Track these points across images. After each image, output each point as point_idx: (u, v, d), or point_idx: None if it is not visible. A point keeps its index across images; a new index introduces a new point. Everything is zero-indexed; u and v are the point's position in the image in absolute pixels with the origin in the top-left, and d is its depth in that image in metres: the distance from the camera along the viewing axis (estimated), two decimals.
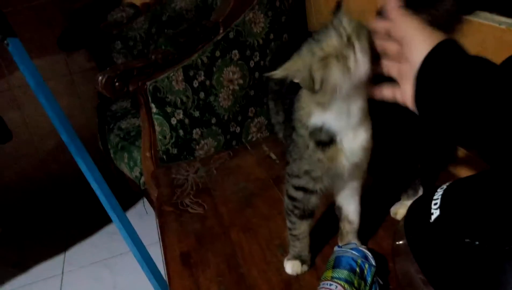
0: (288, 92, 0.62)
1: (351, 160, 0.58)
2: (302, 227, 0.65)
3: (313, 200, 0.63)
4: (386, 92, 0.53)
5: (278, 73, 0.52)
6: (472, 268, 0.36)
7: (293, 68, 0.52)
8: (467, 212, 0.40)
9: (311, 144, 0.58)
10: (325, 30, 0.51)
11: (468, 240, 0.36)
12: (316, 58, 0.50)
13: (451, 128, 0.41)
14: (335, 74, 0.50)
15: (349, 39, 0.49)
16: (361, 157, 0.59)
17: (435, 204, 0.41)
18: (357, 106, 0.55)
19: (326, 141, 0.57)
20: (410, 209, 0.48)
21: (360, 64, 0.49)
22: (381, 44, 0.51)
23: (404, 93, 0.48)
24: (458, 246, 0.37)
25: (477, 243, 0.36)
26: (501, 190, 0.39)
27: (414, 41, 0.46)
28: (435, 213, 0.40)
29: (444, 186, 0.43)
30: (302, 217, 0.64)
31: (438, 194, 0.42)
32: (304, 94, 0.57)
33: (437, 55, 0.43)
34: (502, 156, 0.36)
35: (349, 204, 0.66)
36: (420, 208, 0.43)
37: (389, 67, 0.52)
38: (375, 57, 0.52)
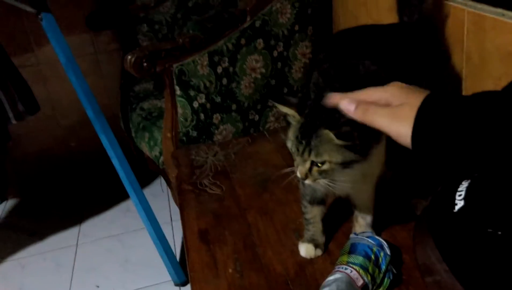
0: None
1: (339, 192, 0.62)
2: (314, 212, 0.68)
3: (318, 193, 0.66)
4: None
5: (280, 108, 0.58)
6: (494, 257, 0.38)
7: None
8: (491, 203, 0.41)
9: None
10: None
11: (491, 230, 0.38)
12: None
13: (450, 160, 0.41)
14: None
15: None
16: (351, 190, 0.63)
17: (460, 195, 0.42)
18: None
19: None
20: (433, 199, 0.50)
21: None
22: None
23: (398, 133, 0.45)
24: (481, 235, 0.39)
25: (500, 233, 0.37)
26: None
27: (407, 90, 0.46)
28: (459, 203, 0.42)
29: (469, 179, 0.45)
30: (312, 202, 0.68)
31: (463, 186, 0.44)
32: None
33: (436, 97, 0.44)
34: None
35: (361, 201, 0.68)
36: (444, 199, 0.45)
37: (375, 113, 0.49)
38: None
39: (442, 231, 0.44)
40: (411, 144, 0.43)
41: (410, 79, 0.55)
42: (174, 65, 1.07)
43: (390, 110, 0.46)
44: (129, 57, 1.01)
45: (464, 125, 0.40)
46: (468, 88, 0.75)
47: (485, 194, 0.42)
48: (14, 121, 1.37)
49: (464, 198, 0.42)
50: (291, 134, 0.57)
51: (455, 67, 0.77)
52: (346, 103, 0.49)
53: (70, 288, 1.37)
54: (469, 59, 0.74)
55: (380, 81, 0.55)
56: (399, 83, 0.48)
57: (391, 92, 0.47)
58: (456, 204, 0.42)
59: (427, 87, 0.50)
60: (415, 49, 0.67)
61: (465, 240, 0.41)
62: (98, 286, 1.36)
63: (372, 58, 0.61)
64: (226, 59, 1.14)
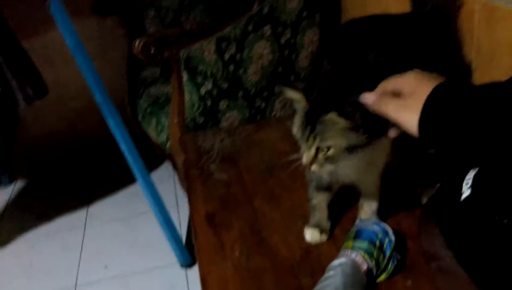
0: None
1: (344, 180, 0.64)
2: (319, 198, 0.69)
3: (323, 180, 0.67)
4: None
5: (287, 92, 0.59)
6: (499, 246, 0.39)
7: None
8: (498, 192, 0.42)
9: None
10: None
11: (497, 218, 0.39)
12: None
13: (458, 149, 0.42)
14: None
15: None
16: (356, 179, 0.64)
17: (467, 184, 0.43)
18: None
19: None
20: (440, 187, 0.51)
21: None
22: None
23: (406, 121, 0.48)
24: (487, 224, 0.40)
25: (506, 221, 0.38)
26: None
27: (421, 79, 0.48)
28: (466, 192, 0.43)
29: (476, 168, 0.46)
30: (318, 189, 0.69)
31: (470, 175, 0.45)
32: None
33: (446, 87, 0.45)
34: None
35: (367, 189, 0.69)
36: (450, 187, 0.46)
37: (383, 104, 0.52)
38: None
39: (448, 219, 0.45)
40: (417, 132, 0.45)
41: (420, 69, 0.55)
42: (182, 51, 1.07)
43: (400, 101, 0.48)
44: (137, 42, 1.02)
45: (471, 116, 0.41)
46: (478, 79, 0.75)
47: (492, 183, 0.43)
48: (23, 105, 1.38)
49: (471, 187, 0.43)
50: (297, 120, 0.58)
51: (465, 57, 0.77)
52: (367, 96, 0.52)
53: (78, 268, 1.41)
54: (479, 50, 0.74)
55: (388, 71, 0.55)
56: (417, 71, 0.50)
57: (406, 80, 0.49)
58: (463, 193, 0.43)
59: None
60: (426, 40, 0.67)
61: (471, 228, 0.42)
62: (106, 266, 1.40)
63: (382, 48, 0.61)
64: (234, 45, 1.14)
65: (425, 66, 0.52)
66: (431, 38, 0.68)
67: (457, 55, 0.76)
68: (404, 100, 0.48)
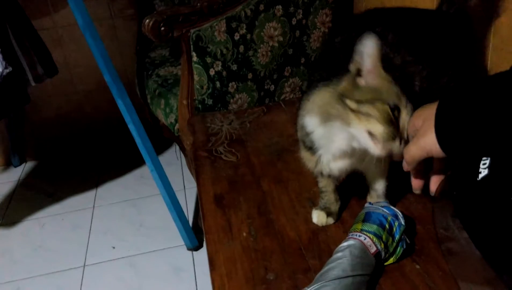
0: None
1: (333, 172, 0.63)
2: (324, 182, 0.69)
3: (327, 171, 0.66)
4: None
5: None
6: None
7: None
8: None
9: (301, 140, 0.64)
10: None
11: None
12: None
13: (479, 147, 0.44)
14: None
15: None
16: (345, 172, 0.63)
17: (484, 164, 0.43)
18: (339, 146, 0.58)
19: (309, 146, 0.62)
20: (456, 167, 0.50)
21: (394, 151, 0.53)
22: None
23: (428, 146, 0.50)
24: (504, 204, 0.39)
25: None
26: None
27: (424, 108, 0.50)
28: (483, 172, 0.42)
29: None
30: (322, 173, 0.68)
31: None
32: (312, 96, 0.59)
33: (449, 96, 0.47)
34: None
35: (372, 175, 0.68)
36: (467, 167, 0.45)
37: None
38: None
39: (464, 199, 0.44)
40: (440, 148, 0.47)
41: (438, 68, 0.54)
42: (192, 30, 1.06)
43: (414, 138, 0.51)
44: (147, 20, 1.00)
45: (483, 109, 0.42)
46: (494, 62, 0.73)
47: (511, 163, 0.42)
48: (33, 83, 1.38)
49: (489, 167, 0.42)
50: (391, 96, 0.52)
51: (483, 40, 0.74)
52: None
53: (87, 247, 1.42)
54: (497, 31, 0.71)
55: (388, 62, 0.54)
56: (420, 108, 0.52)
57: (414, 120, 0.52)
58: (480, 173, 0.42)
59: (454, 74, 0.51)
60: (445, 40, 0.65)
61: (488, 209, 0.41)
62: (114, 247, 1.41)
63: (394, 41, 0.59)
64: (244, 25, 1.12)
65: (440, 64, 0.51)
66: (451, 38, 0.66)
67: (476, 56, 0.74)
68: (417, 134, 0.50)
